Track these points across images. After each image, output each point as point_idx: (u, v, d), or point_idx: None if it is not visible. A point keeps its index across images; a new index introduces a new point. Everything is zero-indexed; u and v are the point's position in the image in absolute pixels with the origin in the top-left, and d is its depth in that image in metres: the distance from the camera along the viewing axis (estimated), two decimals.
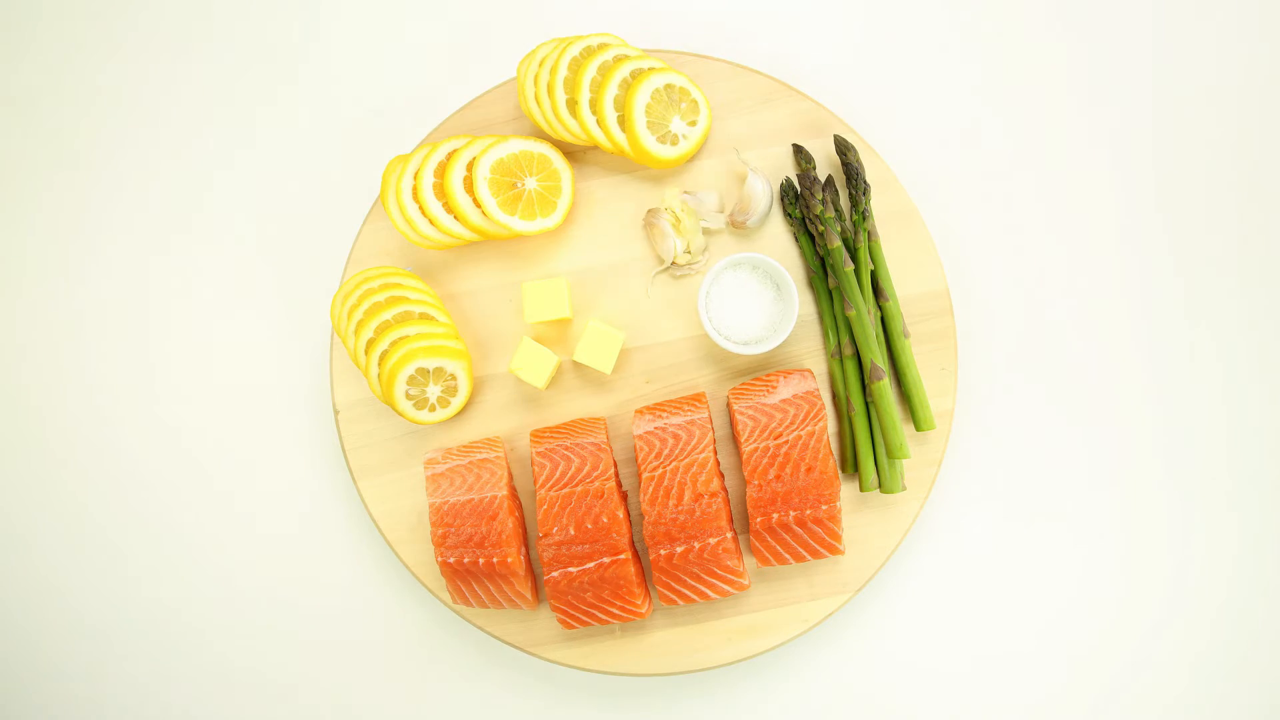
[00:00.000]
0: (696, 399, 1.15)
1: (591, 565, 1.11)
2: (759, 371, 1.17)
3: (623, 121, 1.12)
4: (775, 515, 1.11)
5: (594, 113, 1.12)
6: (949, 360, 1.17)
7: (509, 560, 1.10)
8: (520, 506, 1.16)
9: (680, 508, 1.11)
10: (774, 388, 1.14)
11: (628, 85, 1.12)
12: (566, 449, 1.13)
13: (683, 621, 1.16)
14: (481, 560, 1.10)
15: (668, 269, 1.16)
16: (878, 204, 1.17)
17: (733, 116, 1.18)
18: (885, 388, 1.12)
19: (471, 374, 1.14)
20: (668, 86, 1.13)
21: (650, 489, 1.11)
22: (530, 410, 1.17)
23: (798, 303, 1.12)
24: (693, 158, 1.17)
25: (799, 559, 1.13)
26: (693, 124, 1.15)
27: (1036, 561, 1.20)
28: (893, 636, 1.20)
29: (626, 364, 1.17)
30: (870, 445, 1.14)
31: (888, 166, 1.18)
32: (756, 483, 1.11)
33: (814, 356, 1.17)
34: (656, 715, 1.19)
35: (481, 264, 1.17)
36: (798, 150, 1.16)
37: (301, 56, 1.23)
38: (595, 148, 1.16)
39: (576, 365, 1.17)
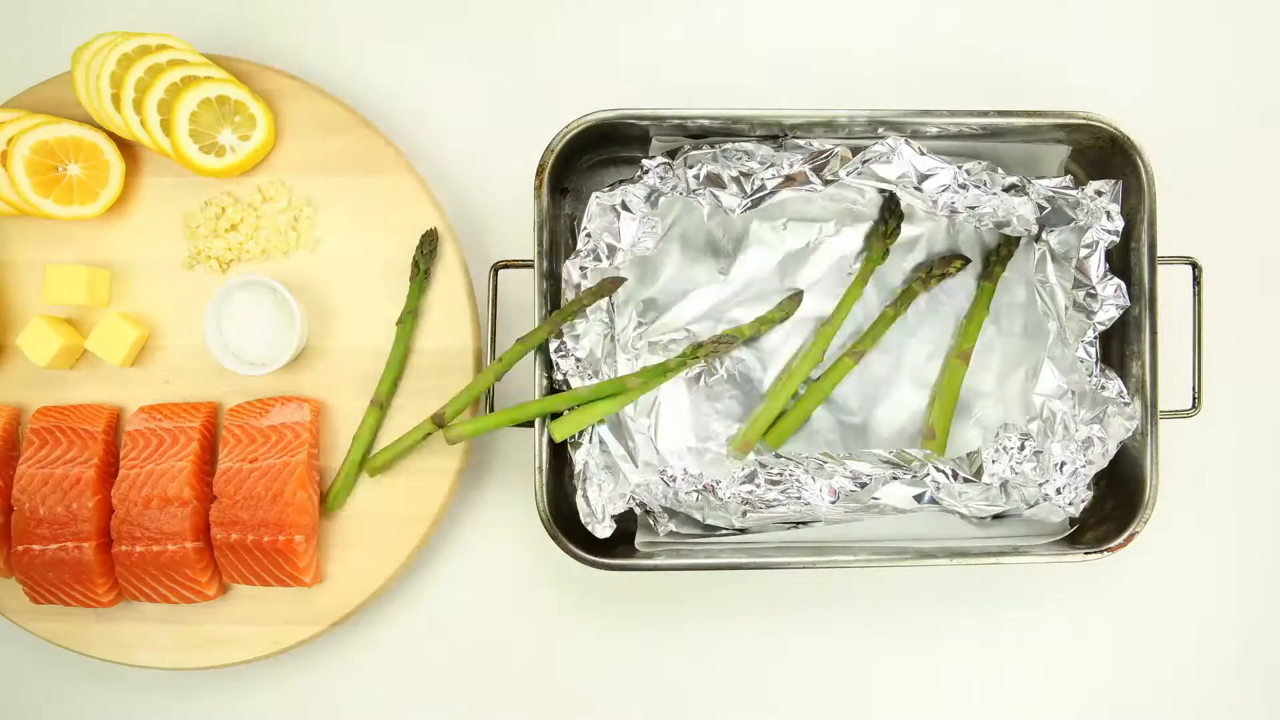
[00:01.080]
0: (198, 408, 1.17)
1: (53, 546, 1.13)
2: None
3: (166, 125, 1.13)
4: (234, 535, 1.12)
5: (137, 112, 1.13)
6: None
7: None
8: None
9: (148, 509, 1.13)
10: (267, 412, 1.15)
11: (177, 90, 1.13)
12: (61, 430, 1.16)
13: (154, 619, 1.18)
14: None
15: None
16: None
17: (302, 139, 1.19)
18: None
19: None
20: (220, 98, 1.14)
21: (123, 486, 1.14)
22: (47, 387, 1.19)
23: (301, 333, 1.14)
24: (249, 172, 1.18)
25: (263, 582, 1.15)
26: (244, 139, 1.15)
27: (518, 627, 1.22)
28: (373, 673, 1.22)
29: (151, 361, 1.19)
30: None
31: (443, 212, 1.19)
32: (223, 501, 1.13)
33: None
34: (100, 702, 1.22)
35: (19, 237, 1.19)
36: None
37: None
38: (148, 147, 1.17)
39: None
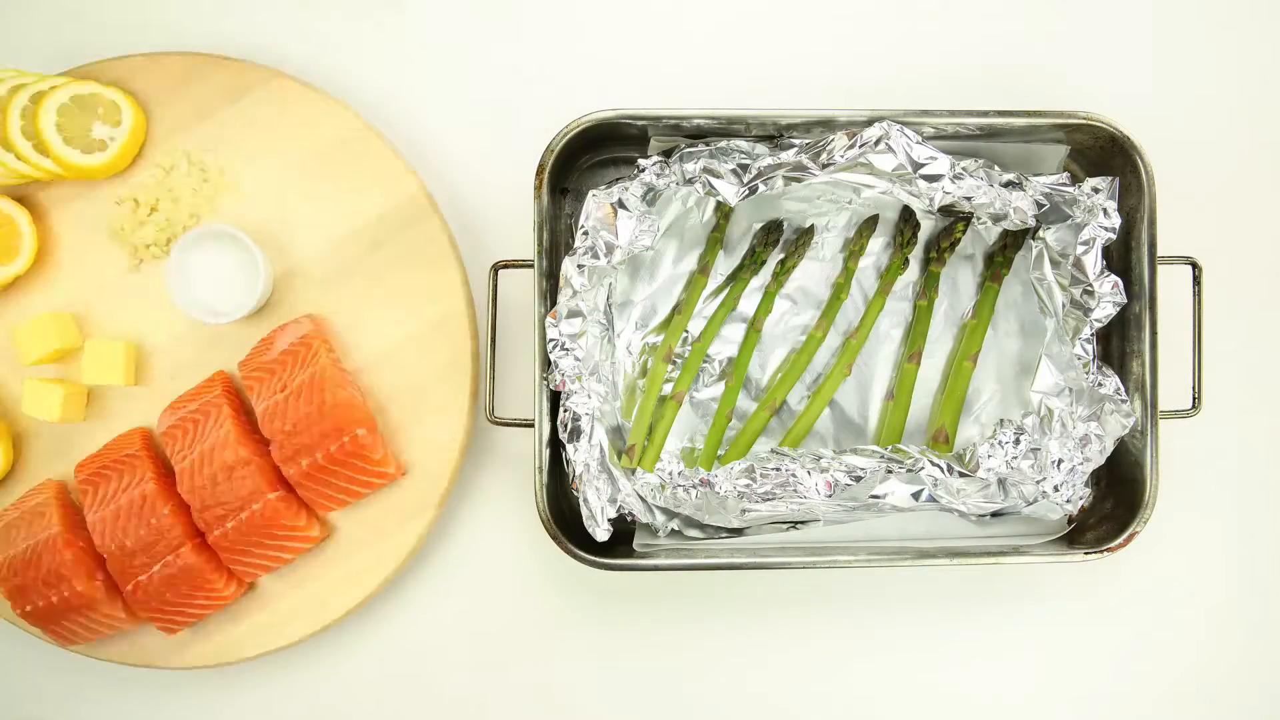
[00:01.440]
0: (211, 381, 1.17)
1: (157, 568, 1.13)
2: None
3: (40, 146, 1.14)
4: (305, 461, 1.12)
5: (8, 149, 1.14)
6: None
7: (79, 590, 1.13)
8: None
9: (217, 487, 1.13)
10: (272, 344, 1.15)
11: (32, 111, 1.13)
12: (106, 469, 1.15)
13: (294, 585, 1.18)
14: (55, 599, 1.13)
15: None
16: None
17: (170, 102, 1.19)
18: None
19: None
20: (74, 98, 1.14)
21: (185, 479, 1.13)
22: (74, 447, 1.19)
23: (264, 267, 1.14)
24: (139, 155, 1.18)
25: (356, 495, 1.15)
26: (116, 124, 1.16)
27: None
28: (372, 672, 1.22)
29: (150, 369, 1.19)
30: None
31: (346, 105, 1.19)
32: (278, 439, 1.13)
33: None
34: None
35: None
36: None
37: None
38: (41, 178, 1.17)
39: (106, 387, 1.19)
